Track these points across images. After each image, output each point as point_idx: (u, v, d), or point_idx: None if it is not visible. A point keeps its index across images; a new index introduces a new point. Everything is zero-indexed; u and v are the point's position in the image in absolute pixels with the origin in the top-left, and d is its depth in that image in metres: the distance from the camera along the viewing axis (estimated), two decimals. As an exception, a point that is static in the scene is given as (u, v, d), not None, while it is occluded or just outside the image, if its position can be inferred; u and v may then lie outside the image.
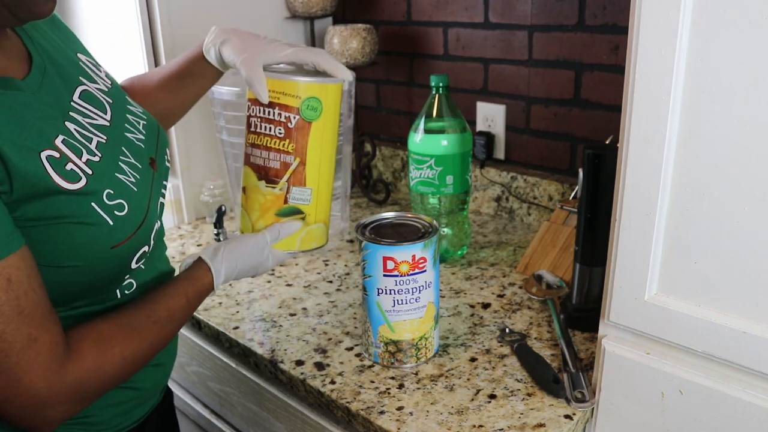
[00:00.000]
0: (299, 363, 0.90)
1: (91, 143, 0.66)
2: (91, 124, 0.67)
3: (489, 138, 1.38)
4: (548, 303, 1.01)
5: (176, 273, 0.79)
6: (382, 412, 0.79)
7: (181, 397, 1.18)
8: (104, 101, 0.72)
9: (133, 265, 0.70)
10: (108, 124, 0.70)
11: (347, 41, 1.38)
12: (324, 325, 1.00)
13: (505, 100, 1.36)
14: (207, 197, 1.42)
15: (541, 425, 0.76)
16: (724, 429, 0.69)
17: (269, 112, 0.80)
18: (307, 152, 0.81)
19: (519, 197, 1.37)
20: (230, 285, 1.14)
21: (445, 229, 1.18)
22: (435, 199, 1.16)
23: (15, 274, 0.56)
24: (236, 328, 1.00)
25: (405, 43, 1.49)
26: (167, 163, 0.81)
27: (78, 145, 0.64)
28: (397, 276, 0.82)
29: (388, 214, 0.89)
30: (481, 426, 0.76)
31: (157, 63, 1.31)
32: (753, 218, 0.62)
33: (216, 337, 1.02)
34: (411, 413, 0.78)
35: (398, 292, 0.83)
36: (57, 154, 0.61)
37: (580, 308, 0.95)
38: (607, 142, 1.06)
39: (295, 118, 0.80)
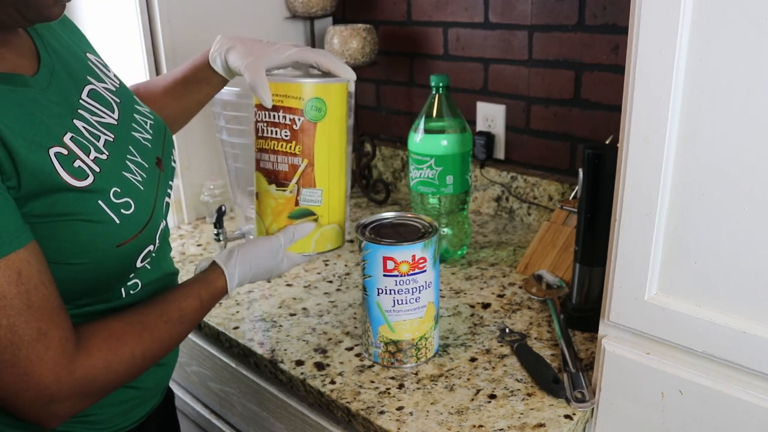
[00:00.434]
0: (299, 363, 0.90)
1: (98, 141, 0.66)
2: (99, 123, 0.68)
3: (489, 138, 1.38)
4: (548, 303, 1.01)
5: (192, 275, 0.80)
6: (382, 412, 0.79)
7: (181, 397, 1.18)
8: (112, 100, 0.72)
9: (138, 264, 0.70)
10: (116, 122, 0.70)
11: (347, 41, 1.38)
12: (324, 325, 1.00)
13: (505, 100, 1.36)
14: (207, 197, 1.42)
15: (541, 425, 0.76)
16: (724, 429, 0.69)
17: (274, 115, 0.81)
18: (315, 153, 0.82)
19: (519, 197, 1.37)
20: (230, 285, 1.14)
21: (445, 229, 1.18)
22: (435, 199, 1.16)
23: (25, 267, 0.56)
24: (236, 328, 1.00)
25: (405, 43, 1.49)
26: (173, 163, 0.81)
27: (86, 142, 0.64)
28: (397, 276, 0.82)
29: (388, 214, 0.89)
30: (481, 426, 0.76)
31: (157, 63, 1.31)
32: (753, 218, 0.62)
33: (216, 337, 1.02)
34: (411, 413, 0.78)
35: (398, 292, 0.83)
36: (65, 151, 0.61)
37: (580, 308, 0.95)
38: (607, 142, 1.06)
39: (299, 119, 0.80)
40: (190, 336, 1.11)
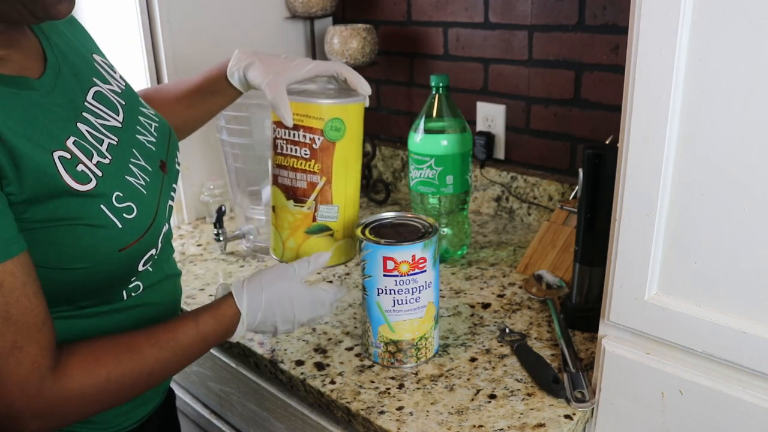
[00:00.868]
0: (299, 363, 0.90)
1: (102, 145, 0.66)
2: (103, 125, 0.67)
3: (489, 138, 1.38)
4: (548, 303, 1.01)
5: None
6: (382, 412, 0.79)
7: (181, 397, 1.18)
8: (117, 102, 0.72)
9: (140, 268, 0.70)
10: (120, 125, 0.70)
11: (347, 41, 1.38)
12: (324, 325, 1.00)
13: (505, 100, 1.36)
14: (207, 197, 1.42)
15: (541, 425, 0.76)
16: (724, 429, 0.69)
17: (294, 134, 0.83)
18: (333, 171, 0.84)
19: (519, 197, 1.37)
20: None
21: (445, 229, 1.18)
22: (435, 199, 1.16)
23: (8, 279, 0.55)
24: (236, 328, 1.00)
25: (405, 43, 1.49)
26: (177, 166, 0.81)
27: (89, 146, 0.64)
28: (397, 276, 0.82)
29: (388, 214, 0.89)
30: (481, 426, 0.76)
31: (157, 64, 1.31)
32: (753, 218, 0.62)
33: (216, 337, 1.02)
34: (411, 413, 0.78)
35: (398, 292, 0.83)
36: (68, 155, 0.61)
37: (580, 308, 0.95)
38: (607, 142, 1.06)
39: (319, 139, 0.82)
40: (190, 336, 1.11)
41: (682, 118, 0.63)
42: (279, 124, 0.83)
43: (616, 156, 0.69)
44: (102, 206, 0.62)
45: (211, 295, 1.10)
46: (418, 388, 0.83)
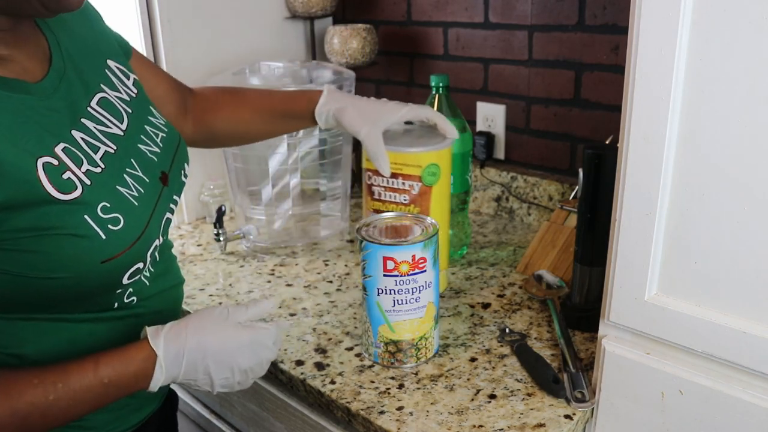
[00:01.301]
0: (299, 363, 0.90)
1: (96, 153, 0.64)
2: (102, 132, 0.66)
3: (489, 138, 1.38)
4: (548, 303, 1.01)
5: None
6: (382, 412, 0.79)
7: (181, 397, 1.18)
8: (122, 110, 0.71)
9: (125, 281, 0.66)
10: (121, 133, 0.69)
11: (347, 41, 1.38)
12: (324, 325, 1.00)
13: (505, 100, 1.36)
14: (207, 197, 1.42)
15: (541, 425, 0.76)
16: (724, 429, 0.69)
17: (393, 182, 0.88)
18: (430, 213, 0.90)
19: (519, 197, 1.37)
20: (230, 285, 1.14)
21: (445, 229, 1.18)
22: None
23: None
24: (236, 328, 1.00)
25: (405, 43, 1.49)
26: (183, 178, 0.79)
27: (80, 154, 0.62)
28: (397, 276, 0.82)
29: (388, 214, 0.89)
30: (481, 426, 0.76)
31: (157, 63, 1.31)
32: (753, 218, 0.62)
33: (216, 337, 1.02)
34: (411, 413, 0.78)
35: (398, 292, 0.83)
36: (55, 162, 0.59)
37: (580, 308, 0.95)
38: (607, 142, 1.06)
39: (417, 185, 0.88)
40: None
41: (682, 118, 0.63)
42: (375, 172, 0.89)
43: (616, 156, 0.69)
44: (86, 216, 0.60)
45: (211, 296, 1.11)
46: (418, 388, 0.83)
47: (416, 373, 0.86)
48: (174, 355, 0.65)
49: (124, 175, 0.67)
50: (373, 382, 0.85)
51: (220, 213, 1.23)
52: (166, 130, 0.77)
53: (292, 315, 1.03)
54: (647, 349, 0.73)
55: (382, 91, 1.59)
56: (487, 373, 0.86)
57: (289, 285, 1.13)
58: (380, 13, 1.52)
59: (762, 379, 0.65)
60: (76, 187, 0.60)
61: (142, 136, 0.72)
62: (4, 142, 0.56)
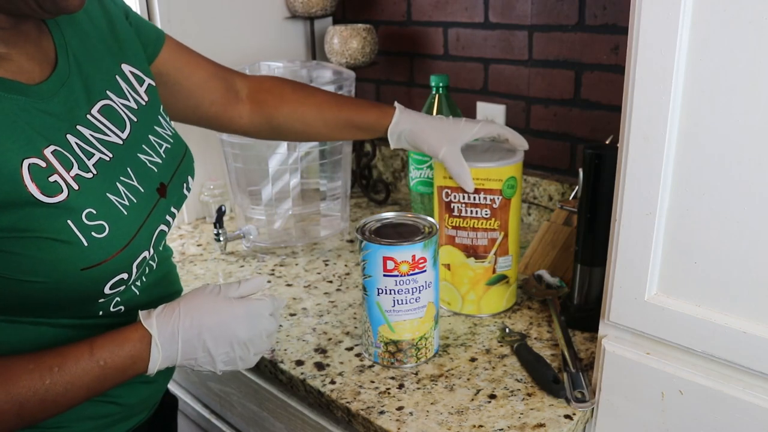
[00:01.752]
0: (299, 363, 0.90)
1: (90, 159, 0.63)
2: (99, 140, 0.65)
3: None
4: (548, 303, 1.01)
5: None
6: (382, 412, 0.79)
7: (181, 397, 1.18)
8: (126, 119, 0.70)
9: (107, 291, 0.64)
10: (121, 142, 0.68)
11: (347, 41, 1.38)
12: (324, 325, 1.00)
13: (505, 100, 1.36)
14: (207, 197, 1.42)
15: (541, 425, 0.76)
16: (724, 429, 0.69)
17: (474, 197, 0.92)
18: (509, 225, 0.93)
19: (519, 197, 1.37)
20: (230, 285, 1.14)
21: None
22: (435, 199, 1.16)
23: None
24: (236, 328, 1.00)
25: (405, 43, 1.49)
26: (185, 191, 0.77)
27: (71, 158, 0.61)
28: (397, 276, 0.82)
29: (388, 214, 0.89)
30: (481, 426, 0.76)
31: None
32: (753, 218, 0.62)
33: (216, 337, 1.02)
34: (411, 413, 0.78)
35: (398, 292, 0.83)
36: (43, 164, 0.58)
37: (580, 308, 0.95)
38: (607, 142, 1.06)
39: (498, 198, 0.91)
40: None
41: (682, 118, 0.63)
42: (454, 189, 0.92)
43: (616, 156, 0.69)
44: (69, 221, 0.59)
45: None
46: (418, 388, 0.83)
47: (416, 373, 0.86)
48: (169, 333, 0.65)
49: (117, 184, 0.65)
50: (373, 382, 0.85)
51: (220, 213, 1.23)
52: (171, 141, 0.76)
53: (292, 315, 1.03)
54: (647, 349, 0.73)
55: (382, 91, 1.59)
56: (487, 373, 0.86)
57: (289, 285, 1.13)
58: (380, 13, 1.52)
59: (762, 379, 0.65)
60: (62, 191, 0.59)
61: (143, 146, 0.71)
62: None
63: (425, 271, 0.83)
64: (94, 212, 0.61)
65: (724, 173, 0.62)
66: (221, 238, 1.24)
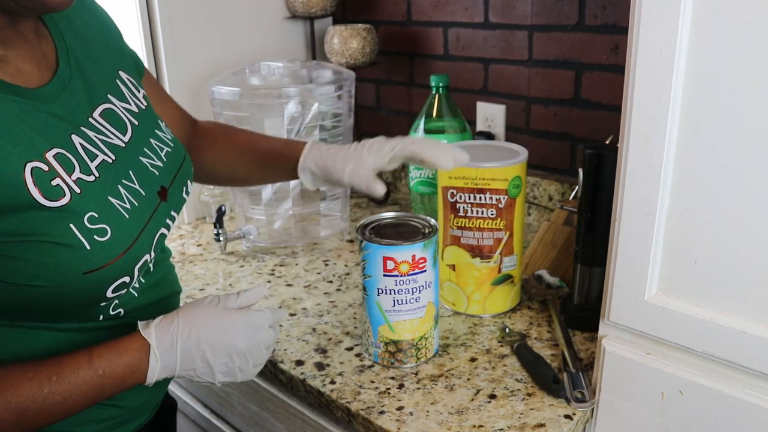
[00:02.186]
0: (299, 363, 0.90)
1: (93, 161, 0.63)
2: (103, 142, 0.65)
3: (489, 138, 1.38)
4: (548, 303, 1.01)
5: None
6: (382, 412, 0.79)
7: (181, 397, 1.18)
8: (127, 122, 0.70)
9: (109, 294, 0.64)
10: (123, 145, 0.68)
11: (347, 41, 1.38)
12: (324, 325, 1.00)
13: (505, 100, 1.36)
14: (207, 197, 1.42)
15: (541, 425, 0.76)
16: (724, 429, 0.69)
17: (480, 197, 0.92)
18: (514, 225, 0.94)
19: (519, 197, 1.37)
20: (230, 285, 1.14)
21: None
22: (435, 199, 1.16)
23: None
24: (236, 328, 1.00)
25: (405, 43, 1.49)
26: (185, 195, 0.77)
27: (73, 160, 0.61)
28: (397, 276, 0.82)
29: (388, 214, 0.89)
30: (481, 426, 0.76)
31: (156, 63, 1.31)
32: (753, 218, 0.62)
33: (216, 337, 1.02)
34: (411, 413, 0.78)
35: (398, 292, 0.83)
36: (45, 167, 0.58)
37: (580, 308, 0.95)
38: (607, 142, 1.06)
39: (504, 198, 0.91)
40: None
41: (682, 118, 0.63)
42: (459, 189, 0.92)
43: (616, 156, 0.69)
44: (71, 225, 0.59)
45: (216, 296, 1.10)
46: (418, 388, 0.83)
47: (416, 373, 0.86)
48: (168, 343, 0.65)
49: (119, 187, 0.65)
50: (373, 382, 0.85)
51: (220, 213, 1.23)
52: (172, 145, 0.76)
53: (292, 315, 1.03)
54: (647, 349, 0.73)
55: (382, 91, 1.59)
56: (487, 373, 0.86)
57: (289, 285, 1.13)
58: (380, 13, 1.52)
59: (762, 379, 0.65)
60: (64, 194, 0.59)
61: (145, 149, 0.71)
62: None
63: (425, 271, 0.83)
64: (96, 215, 0.61)
65: (724, 173, 0.62)
66: (221, 238, 1.24)
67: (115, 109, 0.69)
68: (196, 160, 0.90)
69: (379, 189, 0.81)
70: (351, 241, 1.31)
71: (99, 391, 0.62)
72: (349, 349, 0.93)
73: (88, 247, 0.60)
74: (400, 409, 0.79)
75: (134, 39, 1.29)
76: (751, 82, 0.58)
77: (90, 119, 0.66)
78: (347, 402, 0.81)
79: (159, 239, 0.70)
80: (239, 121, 1.21)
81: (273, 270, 1.19)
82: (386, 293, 0.83)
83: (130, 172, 0.67)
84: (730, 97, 0.60)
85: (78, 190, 0.60)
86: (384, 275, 0.82)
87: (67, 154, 0.61)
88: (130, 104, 0.72)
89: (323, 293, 1.10)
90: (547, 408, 0.78)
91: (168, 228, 0.72)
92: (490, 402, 0.80)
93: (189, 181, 0.78)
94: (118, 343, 0.64)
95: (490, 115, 1.38)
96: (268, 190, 1.26)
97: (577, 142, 1.28)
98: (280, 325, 0.99)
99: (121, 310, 0.70)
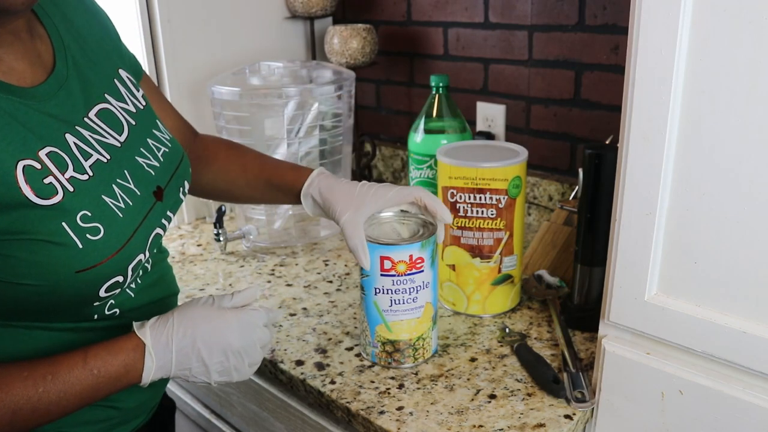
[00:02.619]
0: (299, 363, 0.90)
1: (87, 160, 0.63)
2: (98, 141, 0.65)
3: (489, 138, 1.38)
4: (548, 303, 1.01)
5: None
6: (382, 412, 0.79)
7: (181, 397, 1.18)
8: (124, 122, 0.70)
9: (102, 294, 0.64)
10: (119, 144, 0.68)
11: (347, 41, 1.38)
12: (324, 325, 0.99)
13: (505, 100, 1.36)
14: (207, 197, 1.41)
15: (541, 425, 0.76)
16: (724, 429, 0.69)
17: (480, 197, 0.92)
18: (514, 225, 0.94)
19: (519, 197, 1.37)
20: (230, 285, 1.14)
21: (445, 229, 1.18)
22: (435, 199, 1.16)
23: None
24: (236, 328, 1.00)
25: (405, 43, 1.49)
26: (181, 196, 0.77)
27: (67, 159, 0.61)
28: (394, 276, 0.82)
29: (387, 214, 0.89)
30: (481, 426, 0.76)
31: (156, 63, 1.31)
32: (753, 218, 0.62)
33: (216, 337, 1.02)
34: (411, 413, 0.78)
35: (395, 291, 0.83)
36: (38, 166, 0.58)
37: (580, 308, 0.95)
38: (607, 142, 1.06)
39: (504, 198, 0.92)
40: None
41: (682, 118, 0.63)
42: (459, 189, 0.92)
43: (616, 156, 0.69)
44: (63, 223, 0.59)
45: (211, 296, 1.10)
46: (418, 388, 0.83)
47: (416, 373, 0.86)
48: (163, 343, 0.65)
49: (113, 186, 0.65)
50: (373, 382, 0.85)
51: (220, 213, 1.23)
52: (169, 145, 0.76)
53: (292, 315, 1.03)
54: (647, 349, 0.73)
55: (382, 91, 1.59)
56: (487, 373, 0.86)
57: (289, 285, 1.13)
58: (380, 13, 1.52)
59: (762, 379, 0.65)
60: (57, 193, 0.59)
61: (141, 149, 0.71)
62: None
63: (423, 271, 0.83)
64: (89, 214, 0.61)
65: (724, 173, 0.62)
66: (221, 238, 1.24)
67: (111, 109, 0.69)
68: (194, 173, 0.89)
69: (365, 263, 0.80)
70: (351, 241, 1.30)
71: (94, 390, 0.62)
72: (349, 349, 0.93)
73: (81, 246, 0.60)
74: (400, 409, 0.79)
75: (134, 39, 1.29)
76: (751, 82, 0.58)
77: (85, 119, 0.65)
78: (347, 402, 0.81)
79: (154, 239, 0.69)
80: (239, 120, 1.21)
81: (273, 270, 1.19)
82: (383, 293, 0.83)
83: (126, 171, 0.67)
84: (730, 97, 0.60)
85: (71, 189, 0.60)
86: (381, 275, 0.82)
87: (61, 153, 0.61)
88: (127, 104, 0.72)
89: (323, 293, 1.10)
90: (547, 408, 0.78)
91: (164, 228, 0.72)
92: (490, 402, 0.80)
93: (186, 182, 0.78)
94: (114, 342, 0.64)
95: (490, 115, 1.38)
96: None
97: (577, 142, 1.28)
98: (280, 325, 0.99)
99: (117, 310, 0.70)
